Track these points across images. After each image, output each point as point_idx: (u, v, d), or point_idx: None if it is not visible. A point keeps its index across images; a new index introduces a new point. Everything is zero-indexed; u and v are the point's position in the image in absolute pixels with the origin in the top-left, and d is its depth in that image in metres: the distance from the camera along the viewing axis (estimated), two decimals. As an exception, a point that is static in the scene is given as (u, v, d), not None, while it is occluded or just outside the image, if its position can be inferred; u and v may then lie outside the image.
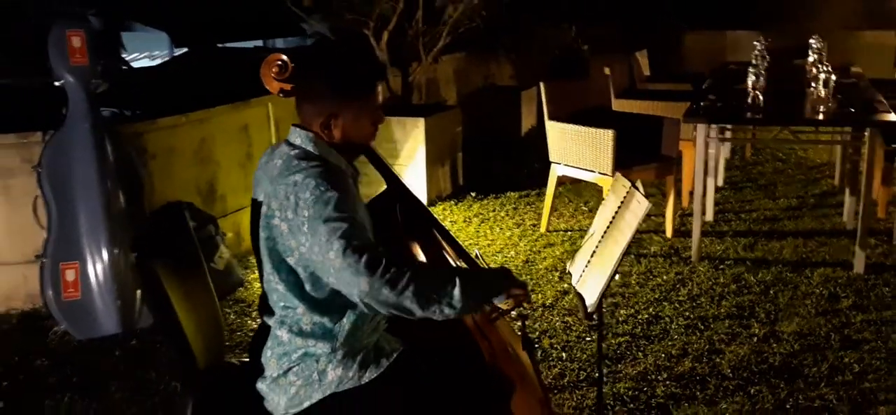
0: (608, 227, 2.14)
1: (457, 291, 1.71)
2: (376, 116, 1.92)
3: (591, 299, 2.07)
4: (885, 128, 4.23)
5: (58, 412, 2.93)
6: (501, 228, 4.95)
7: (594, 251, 2.17)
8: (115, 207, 3.51)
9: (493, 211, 5.33)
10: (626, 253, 2.01)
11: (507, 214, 5.24)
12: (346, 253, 1.65)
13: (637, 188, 2.09)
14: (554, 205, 4.94)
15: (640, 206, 2.02)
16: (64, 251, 3.46)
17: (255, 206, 1.89)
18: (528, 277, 4.15)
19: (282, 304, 1.85)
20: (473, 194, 5.68)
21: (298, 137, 1.87)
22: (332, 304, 1.82)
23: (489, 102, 7.39)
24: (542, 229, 4.86)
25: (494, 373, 1.98)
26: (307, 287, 1.82)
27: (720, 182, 5.72)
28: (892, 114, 3.94)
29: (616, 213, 2.15)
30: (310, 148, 1.85)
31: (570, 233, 4.82)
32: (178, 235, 2.08)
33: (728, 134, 5.35)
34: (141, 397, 3.01)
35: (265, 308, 1.93)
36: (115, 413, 2.91)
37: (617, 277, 4.05)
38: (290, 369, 1.85)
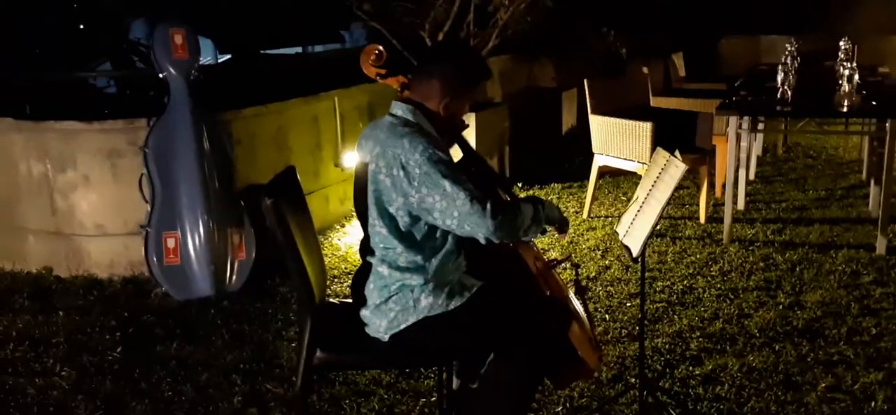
0: (650, 189, 2.54)
1: (542, 215, 2.25)
2: (471, 104, 2.39)
3: (636, 248, 2.47)
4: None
5: (167, 356, 3.40)
6: (546, 215, 5.35)
7: (638, 211, 2.57)
8: (210, 184, 4.00)
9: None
10: (665, 209, 2.41)
11: (552, 203, 5.65)
12: (472, 202, 2.09)
13: (675, 156, 2.48)
14: (595, 194, 5.33)
15: (677, 169, 2.41)
16: (166, 222, 3.96)
17: (360, 168, 2.33)
18: (574, 256, 4.55)
19: (382, 245, 2.28)
20: (520, 185, 6.10)
21: (399, 109, 2.30)
22: (424, 245, 2.25)
23: (533, 102, 7.80)
24: (585, 215, 5.26)
25: (554, 306, 2.40)
26: (405, 231, 2.24)
27: (752, 176, 6.06)
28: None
29: (657, 178, 2.55)
30: (409, 117, 2.28)
31: (609, 219, 5.21)
32: (294, 189, 2.53)
33: (760, 127, 5.68)
34: (238, 344, 3.47)
35: (367, 250, 2.36)
36: (217, 358, 3.37)
37: (654, 255, 4.44)
38: (389, 298, 2.28)
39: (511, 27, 6.10)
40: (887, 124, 4.26)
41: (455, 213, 2.11)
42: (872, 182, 5.16)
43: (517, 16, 5.91)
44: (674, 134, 4.92)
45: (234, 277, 4.06)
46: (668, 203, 2.41)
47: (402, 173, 2.16)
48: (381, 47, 2.47)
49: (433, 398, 2.94)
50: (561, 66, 9.13)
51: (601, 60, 8.77)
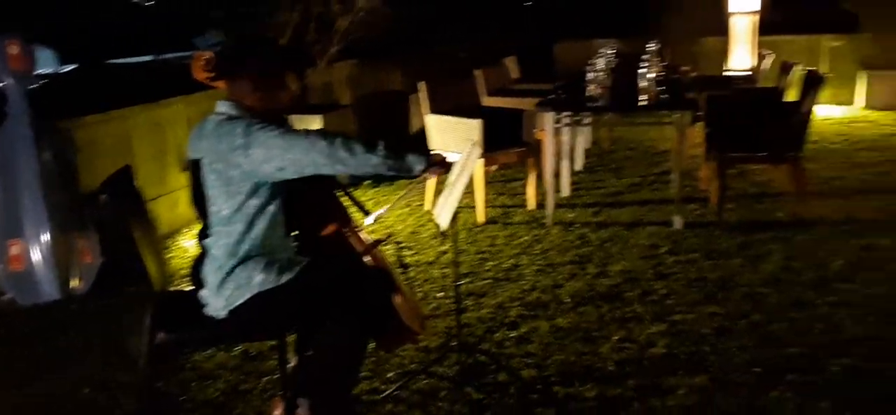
0: (458, 174, 2.94)
1: (380, 145, 2.46)
2: (289, 94, 2.65)
3: (445, 222, 2.86)
4: (701, 110, 5.28)
5: (13, 358, 3.48)
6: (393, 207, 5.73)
7: (448, 193, 2.96)
8: (52, 191, 4.06)
9: (385, 196, 6.09)
10: (466, 190, 2.81)
11: (400, 191, 6.02)
12: (286, 131, 2.36)
13: (475, 144, 2.89)
14: (436, 187, 5.74)
15: (476, 152, 2.82)
16: (9, 229, 3.99)
17: (194, 165, 2.57)
18: (416, 243, 4.93)
19: (219, 229, 2.53)
20: (368, 182, 6.43)
21: (224, 106, 2.56)
22: (254, 225, 2.51)
23: (380, 104, 8.15)
24: (426, 207, 5.66)
25: (378, 277, 2.74)
26: (238, 214, 2.49)
27: (579, 166, 6.69)
28: (697, 101, 4.95)
29: (463, 164, 2.95)
30: (233, 112, 2.54)
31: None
32: (128, 186, 2.74)
33: (586, 121, 6.29)
34: (85, 341, 3.59)
35: (204, 236, 2.61)
36: (65, 355, 3.48)
37: (487, 239, 4.90)
38: (225, 276, 2.53)
39: (353, 34, 6.43)
40: (677, 115, 4.92)
41: (277, 151, 2.35)
42: (673, 168, 5.86)
43: (357, 23, 6.25)
44: (503, 130, 5.42)
45: (81, 281, 4.14)
46: (466, 185, 2.81)
47: (231, 152, 2.39)
48: (210, 54, 2.71)
49: (276, 376, 3.20)
50: (409, 71, 9.55)
51: (446, 64, 9.26)
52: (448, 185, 3.05)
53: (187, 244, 4.97)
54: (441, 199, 3.04)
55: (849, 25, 9.97)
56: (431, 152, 2.60)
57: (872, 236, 4.61)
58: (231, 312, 2.52)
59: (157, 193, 5.09)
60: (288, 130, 2.42)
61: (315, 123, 6.00)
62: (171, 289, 2.86)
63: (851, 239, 4.59)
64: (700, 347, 3.35)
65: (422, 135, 8.32)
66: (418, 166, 2.57)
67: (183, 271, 4.49)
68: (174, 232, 5.18)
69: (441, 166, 2.64)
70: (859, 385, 2.97)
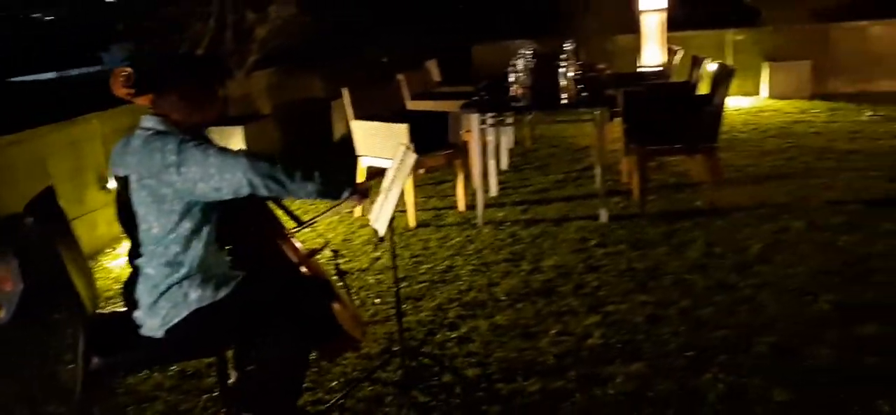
0: (393, 178, 2.94)
1: (317, 174, 2.46)
2: (217, 106, 2.60)
3: (382, 228, 2.86)
4: (618, 106, 5.44)
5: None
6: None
7: (384, 199, 2.96)
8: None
9: (313, 204, 6.02)
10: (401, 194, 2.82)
11: (327, 205, 5.96)
12: (221, 151, 2.34)
13: (409, 147, 2.90)
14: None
15: (410, 157, 2.84)
16: (-85, 261, 3.76)
17: (121, 183, 2.50)
18: (348, 250, 4.90)
19: (150, 247, 2.46)
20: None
21: (150, 122, 2.50)
22: (189, 242, 2.45)
23: (301, 113, 8.07)
24: (357, 214, 5.63)
25: (316, 286, 2.72)
26: (171, 231, 2.44)
27: (504, 166, 6.79)
28: (615, 97, 5.10)
29: (397, 168, 2.95)
30: (161, 127, 2.48)
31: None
32: (53, 207, 2.63)
33: (509, 121, 6.38)
34: (12, 373, 3.42)
35: (136, 255, 2.53)
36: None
37: (419, 243, 4.91)
38: (160, 296, 2.46)
39: (271, 42, 6.34)
40: (597, 112, 5.06)
41: (213, 170, 2.33)
42: (596, 163, 6.02)
43: (275, 31, 6.17)
44: (429, 133, 5.44)
45: (1, 310, 3.93)
46: (401, 189, 2.82)
47: (163, 170, 2.35)
48: (129, 69, 2.63)
49: (216, 393, 3.14)
50: (330, 77, 9.48)
51: (368, 70, 9.24)
52: (383, 190, 3.05)
53: (112, 265, 4.80)
54: (376, 206, 3.04)
55: (751, 19, 10.45)
56: (358, 183, 2.62)
57: (785, 220, 4.85)
58: (168, 331, 2.46)
59: (75, 213, 4.89)
60: (222, 149, 2.38)
61: (236, 134, 5.89)
62: (102, 311, 2.75)
63: (766, 223, 4.82)
64: (634, 335, 3.46)
65: (344, 142, 8.28)
66: (345, 193, 2.59)
67: (108, 294, 4.34)
68: (97, 253, 4.99)
69: (361, 195, 2.65)
70: (784, 362, 3.13)
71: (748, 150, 6.94)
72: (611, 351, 3.32)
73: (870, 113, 8.34)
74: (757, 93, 10.13)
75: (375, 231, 2.92)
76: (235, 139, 5.82)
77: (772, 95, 9.89)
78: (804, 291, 3.78)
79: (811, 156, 6.53)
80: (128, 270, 2.54)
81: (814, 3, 9.75)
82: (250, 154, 2.37)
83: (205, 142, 2.40)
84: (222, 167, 2.34)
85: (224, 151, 2.37)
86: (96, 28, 5.65)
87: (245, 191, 2.37)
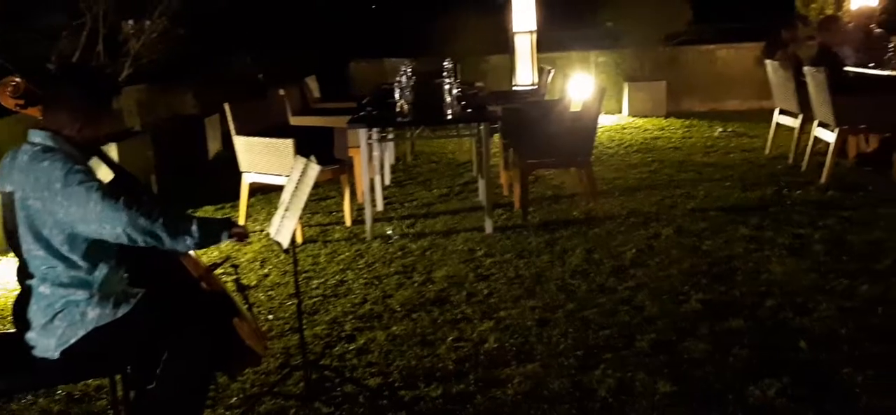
0: (294, 191, 2.94)
1: (194, 227, 2.39)
2: (109, 122, 2.53)
3: (285, 241, 2.86)
4: (497, 123, 5.64)
5: None
6: (202, 236, 5.51)
7: (285, 212, 2.96)
8: None
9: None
10: (305, 207, 2.83)
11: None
12: (104, 198, 2.26)
13: (311, 160, 2.92)
14: (248, 211, 5.63)
15: (314, 170, 2.86)
16: None
17: (6, 199, 2.37)
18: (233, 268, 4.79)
19: (43, 266, 2.35)
20: (171, 212, 6.13)
21: (38, 136, 2.39)
22: (86, 259, 2.37)
23: (175, 129, 7.80)
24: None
25: (217, 301, 2.67)
26: (65, 248, 2.34)
27: (388, 181, 6.86)
28: (495, 114, 5.30)
29: (299, 181, 2.96)
30: (50, 143, 2.38)
31: (264, 231, 5.55)
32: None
33: (390, 136, 6.46)
34: None
35: (25, 275, 2.41)
36: None
37: (309, 259, 4.89)
38: (55, 315, 2.35)
39: (145, 56, 6.13)
40: (481, 128, 5.23)
41: (93, 216, 2.26)
42: (480, 177, 6.21)
43: (149, 45, 5.97)
44: (313, 149, 5.39)
45: None
46: (307, 198, 2.83)
47: (48, 194, 2.27)
48: (18, 79, 2.51)
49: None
50: (202, 93, 9.21)
51: (242, 86, 9.05)
52: (282, 204, 3.05)
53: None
54: (276, 219, 3.03)
55: (612, 42, 11.09)
56: (235, 226, 2.56)
57: (655, 227, 5.19)
58: (64, 352, 2.37)
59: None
60: (107, 194, 2.29)
61: (110, 151, 5.63)
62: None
63: (638, 230, 5.15)
64: (527, 338, 3.61)
65: (219, 159, 8.08)
66: (224, 238, 2.53)
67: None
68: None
69: (240, 237, 2.59)
70: (664, 356, 3.36)
71: (616, 163, 7.37)
72: (506, 354, 3.45)
73: (721, 129, 9.06)
74: (619, 111, 10.74)
75: (278, 243, 2.90)
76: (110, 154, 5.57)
77: (631, 114, 10.52)
78: (677, 291, 4.07)
79: (672, 168, 7.02)
80: (11, 285, 2.41)
81: (668, 28, 10.48)
82: (132, 205, 2.30)
83: (90, 178, 2.31)
84: (102, 217, 2.28)
85: (107, 196, 2.28)
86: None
87: (123, 241, 2.32)
